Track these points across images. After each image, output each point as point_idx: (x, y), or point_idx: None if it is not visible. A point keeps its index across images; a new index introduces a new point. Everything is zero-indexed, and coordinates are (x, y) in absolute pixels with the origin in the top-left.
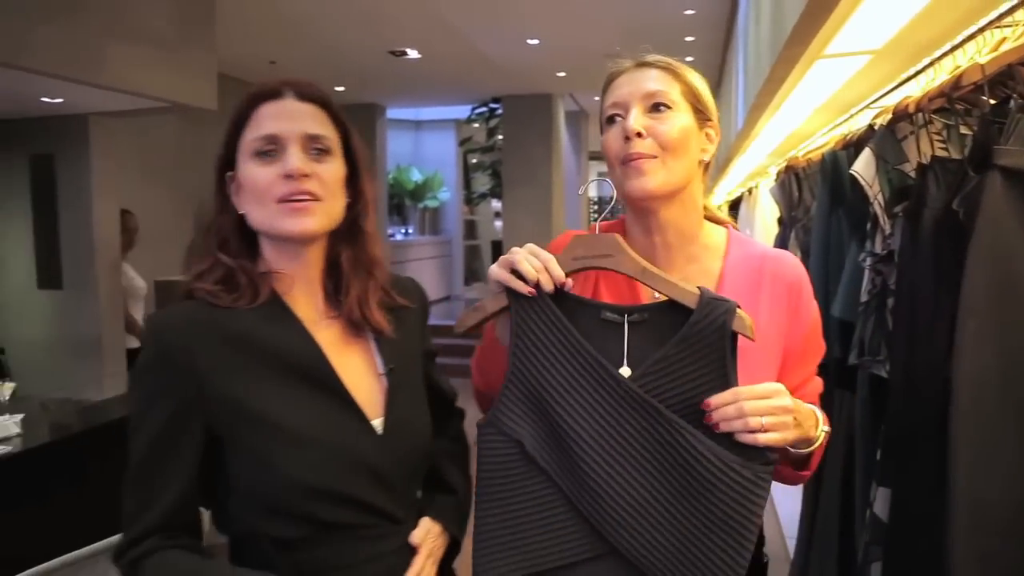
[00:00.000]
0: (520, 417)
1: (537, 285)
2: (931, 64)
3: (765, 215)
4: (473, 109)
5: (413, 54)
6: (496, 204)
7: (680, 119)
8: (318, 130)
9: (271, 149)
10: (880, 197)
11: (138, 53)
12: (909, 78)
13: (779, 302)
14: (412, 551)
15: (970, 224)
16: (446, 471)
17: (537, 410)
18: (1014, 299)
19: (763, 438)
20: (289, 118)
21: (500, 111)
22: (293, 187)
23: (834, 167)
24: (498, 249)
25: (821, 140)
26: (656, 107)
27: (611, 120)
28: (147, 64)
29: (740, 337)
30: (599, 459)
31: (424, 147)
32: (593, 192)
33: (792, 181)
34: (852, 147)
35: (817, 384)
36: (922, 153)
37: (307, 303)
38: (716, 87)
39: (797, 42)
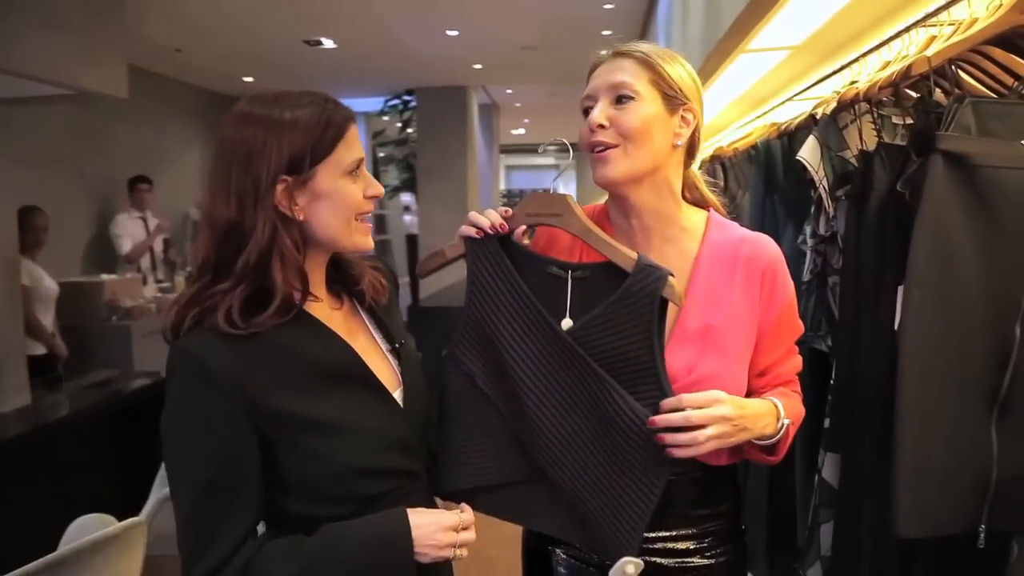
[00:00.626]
0: (473, 354)
1: (484, 230)
2: (856, 60)
3: None
4: (386, 101)
5: (329, 44)
6: (406, 198)
7: (643, 108)
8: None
9: (357, 171)
10: (825, 181)
11: (44, 38)
12: (833, 72)
13: (753, 283)
14: (431, 501)
15: (915, 203)
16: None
17: (487, 348)
18: (953, 271)
19: (703, 448)
20: (359, 143)
21: (414, 103)
22: (370, 208)
23: (768, 155)
24: (414, 243)
25: (739, 132)
26: (620, 99)
27: (586, 111)
28: (54, 50)
29: (717, 318)
30: (535, 396)
31: None
32: (503, 185)
33: (718, 169)
34: (787, 136)
35: (795, 363)
36: (864, 141)
37: (320, 305)
38: None
39: (735, 34)
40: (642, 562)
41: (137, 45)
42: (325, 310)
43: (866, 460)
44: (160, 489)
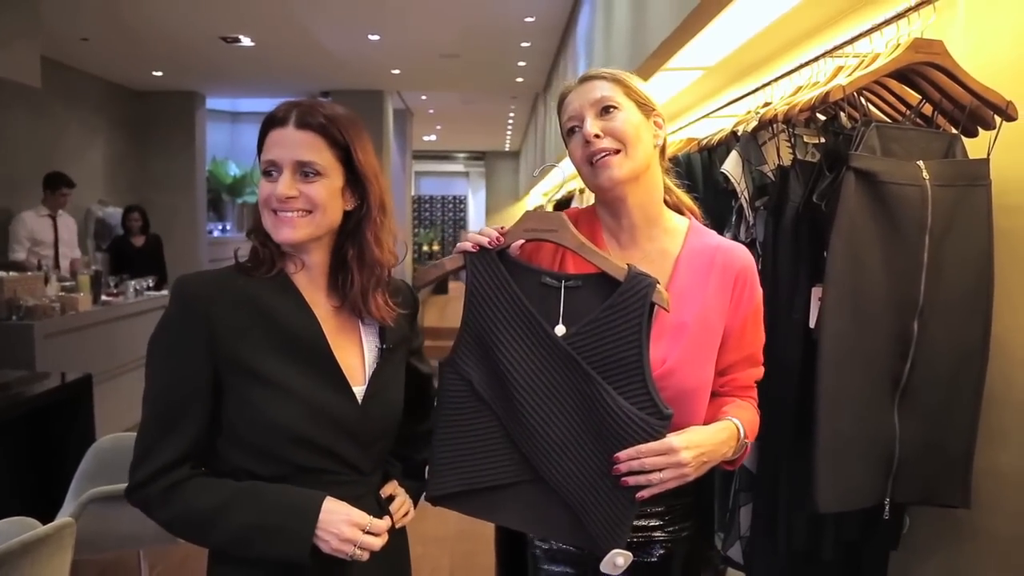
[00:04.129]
0: (471, 360)
1: (480, 245)
2: (769, 83)
3: None
4: None
5: (246, 41)
6: None
7: (628, 115)
8: (309, 156)
9: (272, 170)
10: (746, 192)
11: None
12: (748, 93)
13: (725, 287)
14: (377, 500)
15: (830, 214)
16: (413, 454)
17: (485, 354)
18: (863, 273)
19: (657, 488)
20: (286, 146)
21: None
22: (279, 205)
23: (688, 167)
24: None
25: None
26: (605, 110)
27: (571, 132)
28: None
29: (690, 316)
30: (530, 400)
31: (242, 140)
32: (413, 191)
33: None
34: (707, 150)
35: (756, 372)
36: (780, 157)
37: (309, 285)
38: (544, 90)
39: (660, 54)
40: (631, 555)
41: (41, 31)
42: (316, 293)
43: (782, 446)
44: (77, 492)
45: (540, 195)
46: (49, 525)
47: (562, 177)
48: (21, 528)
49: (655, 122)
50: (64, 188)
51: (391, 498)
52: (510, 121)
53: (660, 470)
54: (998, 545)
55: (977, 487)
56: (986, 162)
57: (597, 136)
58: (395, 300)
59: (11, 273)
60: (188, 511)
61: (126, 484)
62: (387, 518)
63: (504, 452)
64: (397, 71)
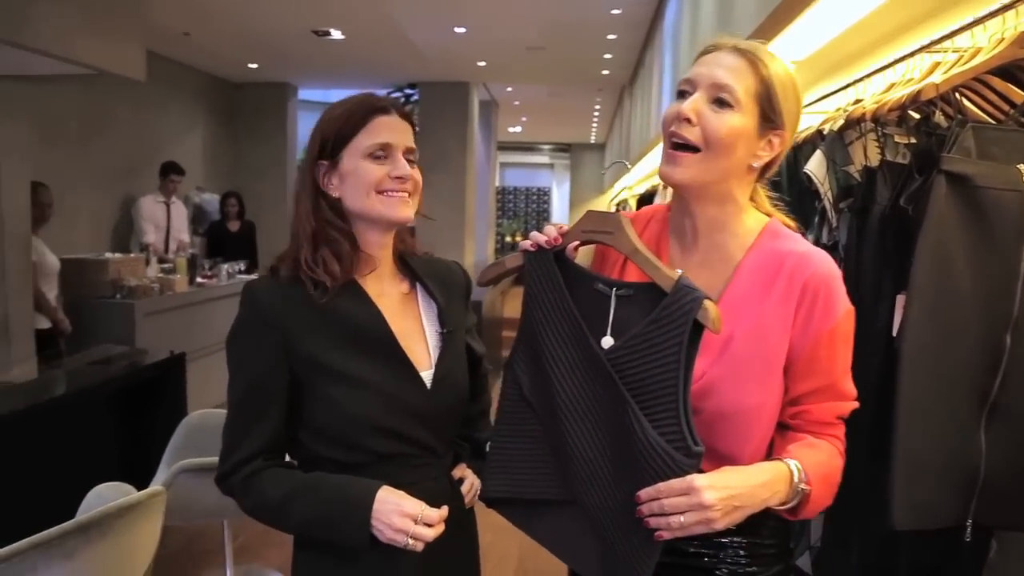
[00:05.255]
0: (523, 363)
1: (538, 244)
2: (862, 79)
3: None
4: (388, 94)
5: (336, 35)
6: None
7: (736, 120)
8: (413, 144)
9: (383, 154)
10: (830, 194)
11: (64, 17)
12: (839, 89)
13: (789, 298)
14: (449, 480)
15: (918, 219)
16: (474, 433)
17: (535, 359)
18: (951, 282)
19: (680, 532)
20: (398, 131)
21: (416, 97)
22: (398, 185)
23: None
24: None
25: None
26: (719, 100)
27: (680, 93)
28: (73, 29)
29: (740, 328)
30: (570, 415)
31: None
32: (498, 182)
33: None
34: (793, 149)
35: (836, 407)
36: (868, 157)
37: (379, 278)
38: (629, 84)
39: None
40: None
41: (146, 27)
42: (379, 285)
43: (859, 456)
44: (169, 463)
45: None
46: (142, 492)
47: (649, 169)
48: (118, 492)
49: (770, 141)
50: (173, 175)
51: (461, 480)
52: (595, 113)
53: (683, 512)
54: None
55: None
56: None
57: (688, 120)
58: (446, 279)
59: (116, 255)
60: (263, 500)
61: (213, 458)
62: (444, 508)
63: (547, 465)
64: (483, 63)
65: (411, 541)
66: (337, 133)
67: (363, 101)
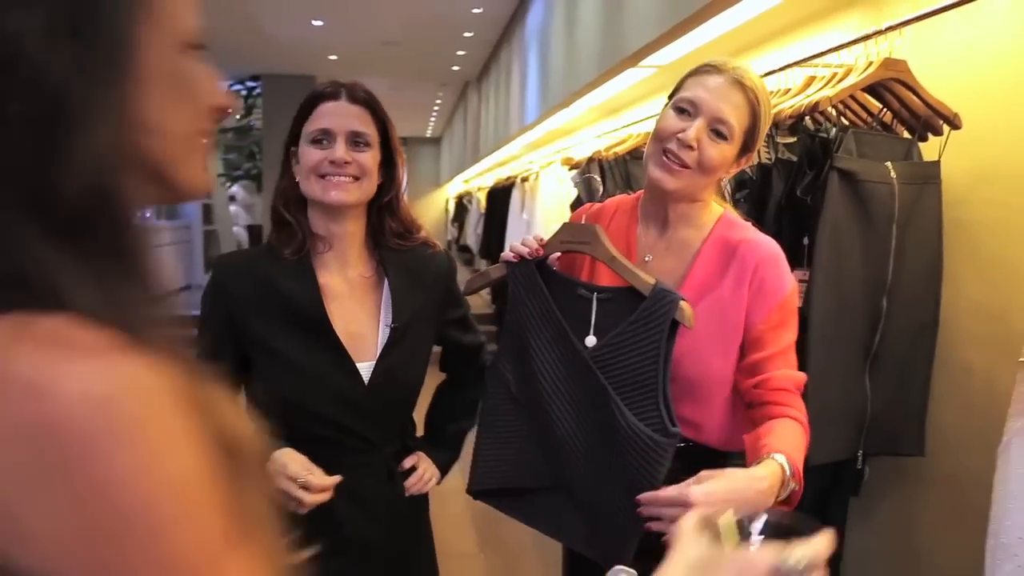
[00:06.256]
0: (509, 363)
1: (520, 255)
2: None
3: (545, 201)
4: (229, 87)
5: None
6: (234, 189)
7: (728, 151)
8: (362, 127)
9: (324, 139)
10: (728, 186)
11: None
12: None
13: (743, 279)
14: (383, 469)
15: (816, 208)
16: (447, 423)
17: (521, 358)
18: (843, 261)
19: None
20: (340, 116)
21: (259, 90)
22: (335, 169)
23: None
24: (255, 233)
25: (601, 140)
26: (717, 132)
27: (680, 109)
28: None
29: (703, 309)
30: (556, 407)
31: None
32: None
33: (597, 171)
34: None
35: (793, 376)
36: (757, 154)
37: (334, 262)
38: (477, 79)
39: (639, 56)
40: (635, 572)
41: None
42: (342, 268)
43: None
44: None
45: (461, 182)
46: None
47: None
48: None
49: (740, 161)
50: None
51: (412, 469)
52: (435, 108)
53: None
54: (939, 487)
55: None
56: (937, 164)
57: (690, 147)
58: (419, 270)
59: None
60: None
61: None
62: (334, 478)
63: (536, 456)
64: (334, 56)
65: (293, 503)
66: (295, 121)
67: (315, 89)
